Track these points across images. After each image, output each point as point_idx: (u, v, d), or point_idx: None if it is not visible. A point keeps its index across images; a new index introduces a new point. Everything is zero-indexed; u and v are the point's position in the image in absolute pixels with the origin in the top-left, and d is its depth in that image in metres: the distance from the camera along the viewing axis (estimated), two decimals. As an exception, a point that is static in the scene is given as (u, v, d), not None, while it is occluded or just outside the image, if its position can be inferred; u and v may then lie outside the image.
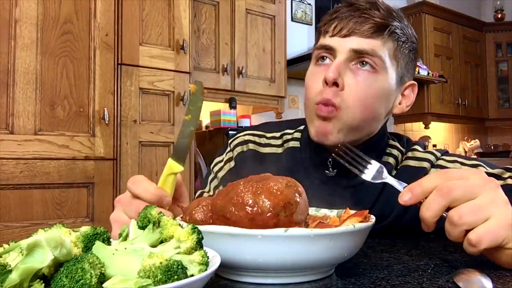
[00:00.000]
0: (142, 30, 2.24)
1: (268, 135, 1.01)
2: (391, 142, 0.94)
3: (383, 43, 0.81)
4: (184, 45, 2.35)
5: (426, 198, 0.57)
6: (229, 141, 1.03)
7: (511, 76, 4.62)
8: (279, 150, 0.98)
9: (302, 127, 0.99)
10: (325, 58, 0.84)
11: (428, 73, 3.87)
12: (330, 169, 0.87)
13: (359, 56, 0.80)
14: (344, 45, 0.80)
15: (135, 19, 2.22)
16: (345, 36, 0.80)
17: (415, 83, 0.90)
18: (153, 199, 0.62)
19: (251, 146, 0.99)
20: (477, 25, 4.61)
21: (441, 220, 0.56)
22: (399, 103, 0.89)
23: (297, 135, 0.98)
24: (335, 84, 0.79)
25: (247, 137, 1.00)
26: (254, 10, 2.99)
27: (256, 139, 1.00)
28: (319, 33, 0.87)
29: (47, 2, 1.98)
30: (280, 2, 3.12)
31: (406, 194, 0.58)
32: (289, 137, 0.99)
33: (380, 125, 0.88)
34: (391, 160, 0.91)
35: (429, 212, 0.56)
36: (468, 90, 4.46)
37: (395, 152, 0.92)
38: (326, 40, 0.83)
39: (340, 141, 0.78)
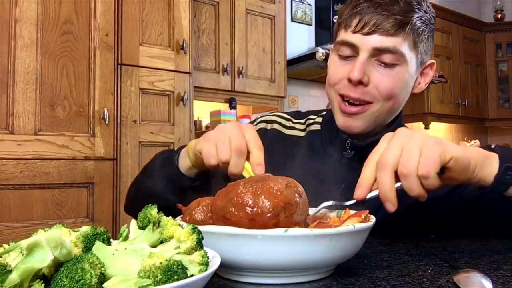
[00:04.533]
0: (142, 30, 2.24)
1: (295, 120, 1.06)
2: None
3: (403, 38, 0.83)
4: (184, 45, 2.35)
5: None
6: (257, 117, 1.08)
7: (511, 76, 4.61)
8: (302, 133, 1.03)
9: (324, 112, 1.05)
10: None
11: (428, 73, 3.87)
12: (348, 150, 0.92)
13: (381, 52, 0.83)
14: (366, 43, 0.83)
15: (135, 19, 2.22)
16: (367, 33, 0.83)
17: (434, 61, 0.94)
18: (260, 149, 0.66)
19: (275, 126, 1.04)
20: (477, 25, 4.60)
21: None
22: (418, 83, 0.94)
23: (319, 119, 1.03)
24: (360, 82, 0.84)
25: (274, 118, 1.06)
26: (254, 10, 2.99)
27: (283, 121, 1.05)
28: (338, 25, 0.90)
29: (47, 2, 1.98)
30: (280, 2, 3.12)
31: (357, 190, 0.60)
32: (311, 121, 1.04)
33: (401, 109, 0.94)
34: None
35: (383, 188, 0.58)
36: (468, 90, 4.45)
37: None
38: (348, 36, 0.85)
39: (365, 131, 0.87)
